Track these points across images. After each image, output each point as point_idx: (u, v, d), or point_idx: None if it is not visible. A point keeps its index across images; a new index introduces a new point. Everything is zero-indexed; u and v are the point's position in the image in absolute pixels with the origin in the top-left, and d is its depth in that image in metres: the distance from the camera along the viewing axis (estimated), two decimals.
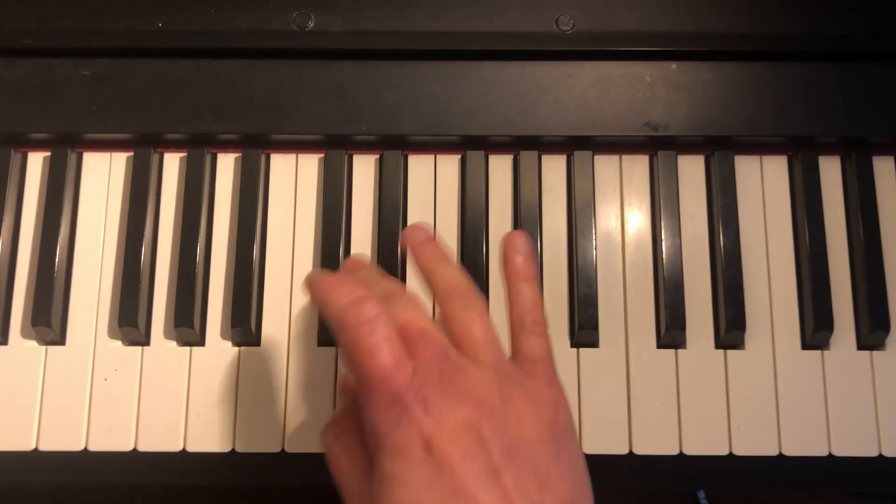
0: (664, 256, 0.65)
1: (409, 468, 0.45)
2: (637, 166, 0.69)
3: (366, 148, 0.68)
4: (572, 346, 0.65)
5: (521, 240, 0.56)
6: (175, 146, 0.68)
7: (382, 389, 0.46)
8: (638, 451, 0.63)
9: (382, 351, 0.46)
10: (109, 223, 0.67)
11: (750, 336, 0.65)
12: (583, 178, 0.67)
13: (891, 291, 0.65)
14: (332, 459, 0.51)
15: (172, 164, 0.68)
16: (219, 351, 0.64)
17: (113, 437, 0.63)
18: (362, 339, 0.46)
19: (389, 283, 0.53)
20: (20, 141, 0.68)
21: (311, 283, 0.51)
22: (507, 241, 0.56)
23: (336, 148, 0.67)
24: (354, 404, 0.51)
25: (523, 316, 0.53)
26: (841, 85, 0.67)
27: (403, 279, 0.65)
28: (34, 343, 0.65)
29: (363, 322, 0.47)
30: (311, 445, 0.63)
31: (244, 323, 0.63)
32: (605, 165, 0.68)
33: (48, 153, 0.68)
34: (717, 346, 0.65)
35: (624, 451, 0.63)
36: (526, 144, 0.68)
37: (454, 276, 0.54)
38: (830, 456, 0.63)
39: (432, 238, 0.57)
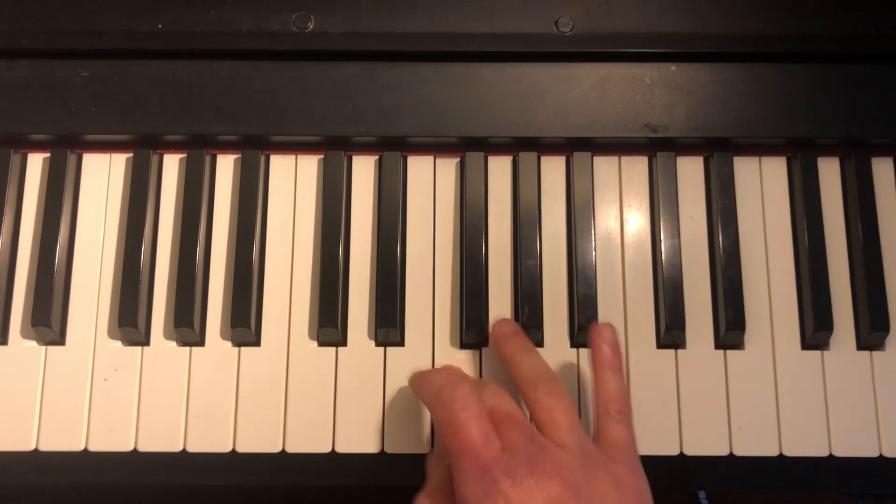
0: (663, 257, 0.65)
1: None
2: (636, 167, 0.69)
3: (365, 149, 0.68)
4: (572, 346, 0.65)
5: (608, 331, 0.60)
6: (175, 147, 0.68)
7: (473, 461, 0.49)
8: (638, 451, 0.63)
9: (473, 426, 0.50)
10: (109, 224, 0.67)
11: (750, 336, 0.65)
12: (582, 179, 0.67)
13: (890, 292, 0.65)
14: None
15: (172, 165, 0.68)
16: (219, 351, 0.64)
17: (113, 438, 0.63)
18: (455, 414, 0.51)
19: (478, 379, 0.60)
20: (20, 141, 0.68)
21: (412, 378, 0.59)
22: (595, 332, 0.60)
23: (336, 149, 0.67)
24: (448, 476, 0.54)
25: (608, 404, 0.57)
26: (840, 86, 0.67)
27: (403, 280, 0.65)
28: (34, 343, 0.65)
29: (456, 399, 0.51)
30: (311, 445, 0.63)
31: (244, 323, 0.63)
32: (605, 166, 0.69)
33: (48, 154, 0.68)
34: (717, 347, 0.65)
35: None
36: (525, 146, 0.68)
37: (539, 366, 0.58)
38: (831, 456, 0.63)
39: (519, 330, 0.62)
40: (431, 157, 0.69)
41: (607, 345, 0.59)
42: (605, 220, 0.68)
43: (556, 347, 0.65)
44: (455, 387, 0.52)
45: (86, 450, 0.63)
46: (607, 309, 0.66)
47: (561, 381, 0.57)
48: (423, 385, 0.56)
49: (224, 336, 0.65)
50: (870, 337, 0.64)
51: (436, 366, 0.64)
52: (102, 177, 0.68)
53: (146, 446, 0.63)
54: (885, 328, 0.64)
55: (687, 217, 0.67)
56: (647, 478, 0.55)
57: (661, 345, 0.65)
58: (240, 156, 0.68)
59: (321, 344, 0.64)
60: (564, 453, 0.51)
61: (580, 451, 0.52)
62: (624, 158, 0.69)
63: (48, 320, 0.63)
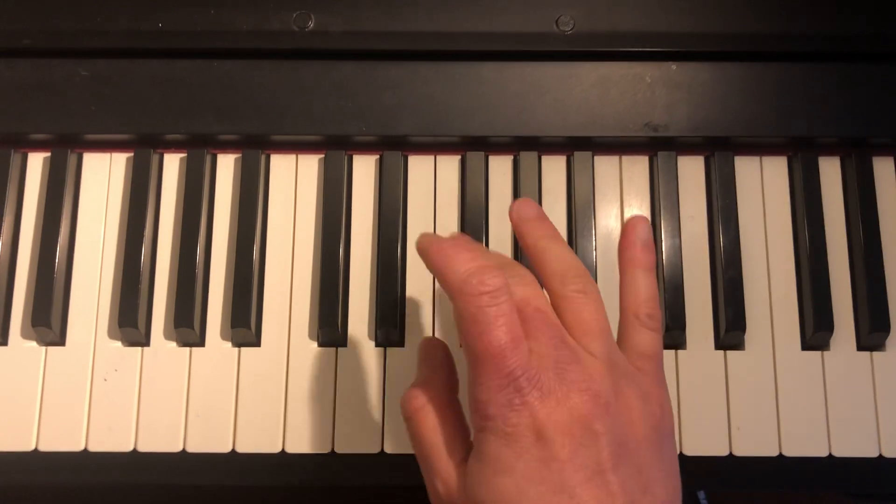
0: (664, 257, 0.65)
1: (516, 454, 0.43)
2: (637, 167, 0.69)
3: (366, 148, 0.68)
4: None
5: (643, 226, 0.53)
6: (175, 146, 0.68)
7: (498, 366, 0.43)
8: None
9: (502, 326, 0.44)
10: (109, 223, 0.67)
11: (750, 336, 0.65)
12: (583, 178, 0.67)
13: (891, 292, 0.65)
14: (417, 428, 0.49)
15: (172, 165, 0.68)
16: (219, 351, 0.64)
17: (113, 438, 0.63)
18: (482, 310, 0.44)
19: (502, 255, 0.51)
20: (20, 141, 0.68)
21: (426, 246, 0.49)
22: (629, 225, 0.53)
23: (336, 148, 0.67)
24: (440, 374, 0.50)
25: (639, 308, 0.51)
26: (841, 85, 0.67)
27: (404, 280, 0.65)
28: (34, 344, 0.65)
29: (485, 292, 0.44)
30: (310, 445, 0.63)
31: (244, 323, 0.63)
32: (605, 166, 0.68)
33: (48, 153, 0.68)
34: (717, 347, 0.65)
35: None
36: (526, 145, 0.68)
37: (568, 258, 0.51)
38: (830, 456, 0.63)
39: (543, 215, 0.54)
40: (432, 157, 0.69)
41: (641, 241, 0.52)
42: (606, 219, 0.67)
43: None
44: (485, 274, 0.44)
45: (86, 450, 0.63)
46: (607, 309, 0.65)
47: (592, 279, 0.51)
48: (442, 261, 0.47)
49: (224, 336, 0.65)
50: (870, 337, 0.64)
51: None
52: (103, 176, 0.68)
53: (146, 446, 0.63)
54: (886, 328, 0.64)
55: (687, 217, 0.67)
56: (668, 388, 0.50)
57: None
58: (240, 155, 0.68)
59: (321, 344, 0.64)
60: (596, 362, 0.45)
61: (609, 360, 0.46)
62: (624, 158, 0.69)
63: (48, 321, 0.63)
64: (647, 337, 0.50)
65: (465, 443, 0.48)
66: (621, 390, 0.46)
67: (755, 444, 0.63)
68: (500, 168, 0.68)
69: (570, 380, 0.44)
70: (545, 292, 0.49)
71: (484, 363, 0.44)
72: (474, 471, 0.45)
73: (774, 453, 0.63)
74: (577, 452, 0.43)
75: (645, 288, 0.51)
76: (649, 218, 0.67)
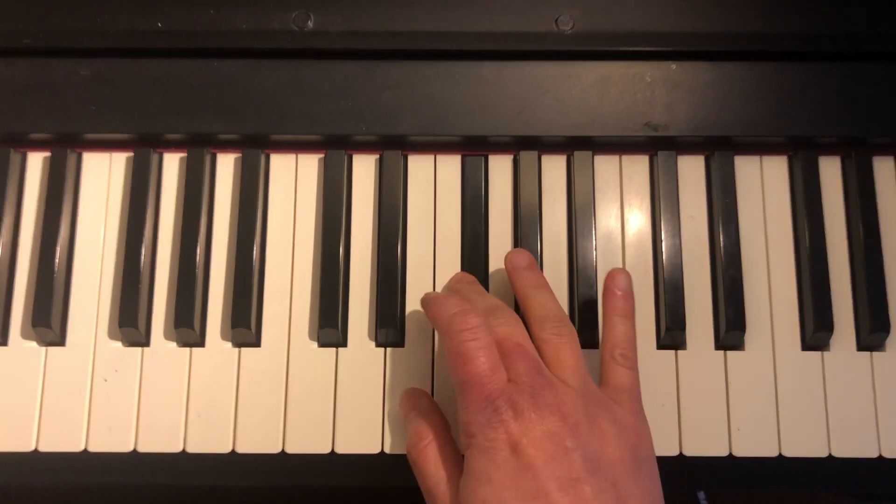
0: (664, 257, 0.65)
1: (494, 466, 0.49)
2: (637, 166, 0.68)
3: (366, 148, 0.68)
4: None
5: (623, 278, 0.60)
6: (175, 146, 0.68)
7: (478, 391, 0.51)
8: None
9: (480, 357, 0.51)
10: (109, 223, 0.67)
11: (750, 337, 0.65)
12: (583, 178, 0.67)
13: (891, 292, 0.65)
14: (423, 465, 0.55)
15: (172, 164, 0.68)
16: (219, 351, 0.64)
17: (113, 438, 0.63)
18: (463, 343, 0.52)
19: (493, 300, 0.59)
20: (20, 141, 0.68)
21: (426, 300, 0.58)
22: (610, 277, 0.60)
23: (336, 148, 0.67)
24: (432, 417, 0.57)
25: (615, 348, 0.58)
26: (841, 85, 0.67)
27: (404, 280, 0.65)
28: (34, 344, 0.65)
29: (466, 329, 0.52)
30: (311, 445, 0.63)
31: (244, 323, 0.63)
32: (605, 165, 0.68)
33: (48, 153, 0.68)
34: (717, 347, 0.65)
35: None
36: (526, 144, 0.68)
37: (549, 304, 0.59)
38: (830, 457, 0.63)
39: (534, 264, 0.62)
40: (432, 156, 0.68)
41: (620, 291, 0.60)
42: (606, 219, 0.67)
43: None
44: (466, 316, 0.53)
45: (86, 450, 0.63)
46: None
47: (570, 322, 0.58)
48: (434, 309, 0.55)
49: (224, 336, 0.65)
50: (870, 337, 0.64)
51: (435, 366, 0.64)
52: (103, 176, 0.68)
53: (146, 447, 0.63)
54: (886, 328, 0.64)
55: (688, 216, 0.67)
56: (646, 420, 0.57)
57: (661, 345, 0.65)
58: (240, 155, 0.68)
59: (321, 344, 0.64)
60: (569, 390, 0.52)
61: (583, 390, 0.53)
62: (625, 157, 0.69)
63: (48, 321, 0.63)
64: (622, 373, 0.57)
65: (461, 472, 0.53)
66: (594, 416, 0.52)
67: (755, 444, 0.63)
68: (500, 168, 0.68)
69: (544, 403, 0.50)
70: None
71: (468, 389, 0.51)
72: (462, 484, 0.51)
73: (774, 453, 0.63)
74: (550, 463, 0.49)
75: (622, 332, 0.59)
76: (649, 217, 0.67)
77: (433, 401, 0.61)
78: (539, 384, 0.51)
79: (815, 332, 0.64)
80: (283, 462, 0.63)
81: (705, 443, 0.63)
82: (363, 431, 0.63)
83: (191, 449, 0.63)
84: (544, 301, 0.59)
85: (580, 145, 0.68)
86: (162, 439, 0.63)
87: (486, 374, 0.51)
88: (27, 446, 0.63)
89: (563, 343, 0.55)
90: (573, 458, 0.49)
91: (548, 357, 0.55)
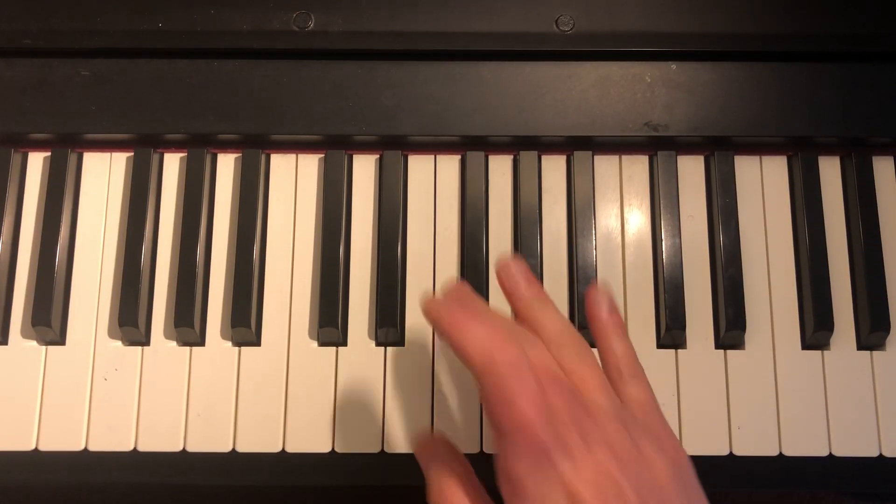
0: (664, 256, 0.65)
1: None
2: (637, 166, 0.69)
3: (366, 148, 0.68)
4: None
5: (601, 294, 0.55)
6: (175, 146, 0.68)
7: (525, 439, 0.45)
8: None
9: (529, 400, 0.45)
10: (109, 223, 0.67)
11: (750, 336, 0.65)
12: (583, 178, 0.67)
13: (891, 291, 0.65)
14: None
15: (172, 164, 0.68)
16: (219, 351, 0.64)
17: (113, 437, 0.63)
18: (507, 385, 0.45)
19: (507, 318, 0.52)
20: (20, 141, 0.68)
21: (436, 318, 0.49)
22: (589, 298, 0.55)
23: (336, 148, 0.67)
24: (455, 465, 0.51)
25: (620, 367, 0.53)
26: (841, 85, 0.67)
27: (404, 280, 0.65)
28: (34, 343, 0.65)
29: (505, 364, 0.45)
30: (311, 445, 0.63)
31: (244, 323, 0.63)
32: (605, 165, 0.68)
33: (48, 153, 0.68)
34: (717, 346, 0.65)
35: None
36: (526, 145, 0.68)
37: (559, 323, 0.53)
38: (830, 456, 0.63)
39: (533, 280, 0.55)
40: (432, 156, 0.69)
41: (606, 312, 0.54)
42: (606, 219, 0.67)
43: None
44: (506, 349, 0.45)
45: (86, 450, 0.63)
46: None
47: (583, 339, 0.53)
48: (459, 340, 0.47)
49: (224, 336, 0.65)
50: (870, 337, 0.64)
51: (435, 366, 0.64)
52: (103, 176, 0.68)
53: (146, 446, 0.63)
54: (886, 328, 0.64)
55: (687, 216, 0.67)
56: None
57: (661, 344, 0.65)
58: (240, 155, 0.68)
59: (321, 344, 0.64)
60: (609, 419, 0.47)
61: (617, 414, 0.48)
62: (624, 157, 0.69)
63: (48, 320, 0.63)
64: (638, 388, 0.52)
65: None
66: (637, 442, 0.47)
67: (755, 443, 0.63)
68: (500, 168, 0.68)
69: (592, 439, 0.46)
70: None
71: (511, 435, 0.45)
72: None
73: (774, 453, 0.63)
74: (608, 502, 0.44)
75: (621, 349, 0.54)
76: (649, 217, 0.67)
77: (450, 445, 0.54)
78: (579, 415, 0.46)
79: (816, 331, 0.64)
80: (283, 461, 0.63)
81: (706, 442, 0.63)
82: (363, 431, 0.63)
83: (191, 448, 0.63)
84: (554, 320, 0.53)
85: (580, 145, 0.68)
86: (162, 438, 0.63)
87: (534, 419, 0.44)
88: (27, 445, 0.63)
89: (586, 366, 0.50)
90: (628, 495, 0.45)
91: (574, 382, 0.50)
